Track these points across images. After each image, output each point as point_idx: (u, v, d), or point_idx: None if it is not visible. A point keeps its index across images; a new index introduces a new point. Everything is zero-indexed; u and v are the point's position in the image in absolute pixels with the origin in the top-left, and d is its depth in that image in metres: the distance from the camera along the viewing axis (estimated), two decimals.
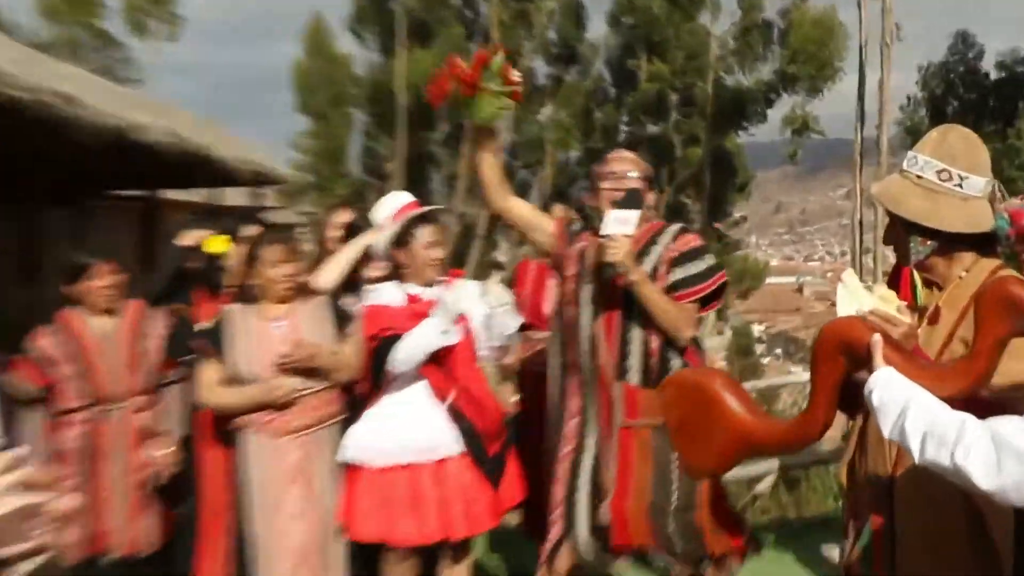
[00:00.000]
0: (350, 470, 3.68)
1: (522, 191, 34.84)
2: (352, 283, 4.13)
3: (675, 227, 3.54)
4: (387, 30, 33.29)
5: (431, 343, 3.53)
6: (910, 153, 2.37)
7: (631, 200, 3.35)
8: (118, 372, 4.18)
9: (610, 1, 35.40)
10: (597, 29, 38.13)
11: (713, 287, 3.44)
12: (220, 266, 4.37)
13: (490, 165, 3.67)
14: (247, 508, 3.75)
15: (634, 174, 3.50)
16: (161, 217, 12.23)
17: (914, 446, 1.75)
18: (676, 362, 3.44)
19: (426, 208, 3.94)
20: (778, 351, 53.80)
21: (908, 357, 1.98)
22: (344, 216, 4.61)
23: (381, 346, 3.55)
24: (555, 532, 3.54)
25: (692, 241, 3.51)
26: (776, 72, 34.16)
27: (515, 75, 3.50)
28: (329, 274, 4.24)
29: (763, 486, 7.09)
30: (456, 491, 3.61)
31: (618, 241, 3.22)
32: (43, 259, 9.51)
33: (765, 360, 43.41)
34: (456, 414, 3.60)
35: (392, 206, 3.97)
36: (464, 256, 29.93)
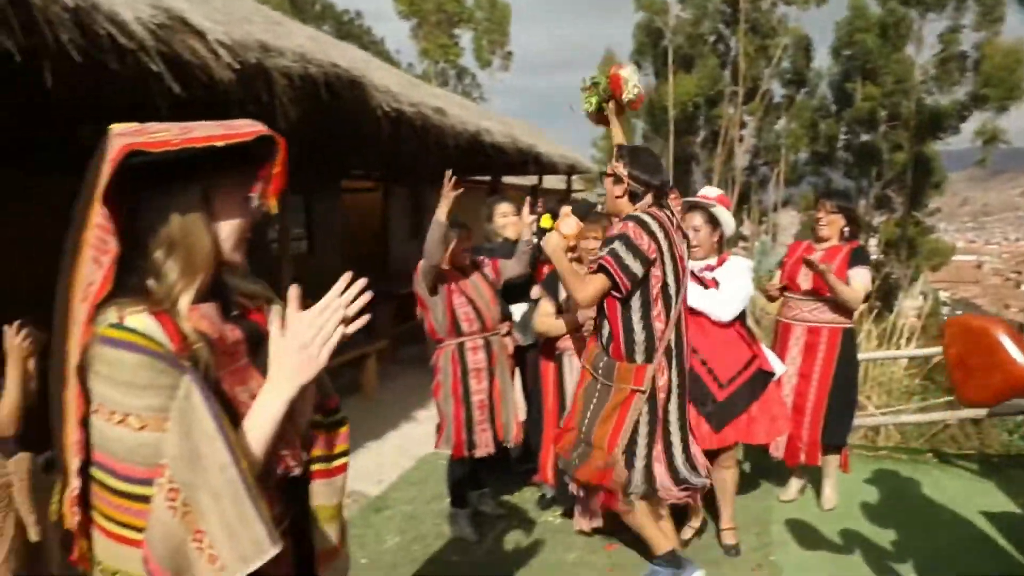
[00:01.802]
0: None
1: (763, 182, 39.05)
2: None
3: (622, 218, 3.45)
4: (660, 60, 37.46)
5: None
6: None
7: (579, 206, 3.60)
8: (491, 308, 4.31)
9: (832, 37, 37.79)
10: (822, 59, 40.38)
11: (595, 268, 3.35)
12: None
13: (618, 138, 3.87)
14: (564, 414, 4.20)
15: (620, 175, 3.46)
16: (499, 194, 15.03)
17: None
18: (606, 327, 3.48)
19: (692, 198, 4.26)
20: (959, 312, 53.31)
21: None
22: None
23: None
24: None
25: (609, 232, 3.52)
26: (969, 94, 35.36)
27: (628, 88, 3.76)
28: None
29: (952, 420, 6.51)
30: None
31: (549, 236, 3.49)
32: (423, 224, 10.43)
33: None
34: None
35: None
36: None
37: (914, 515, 4.78)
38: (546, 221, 4.67)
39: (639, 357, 3.39)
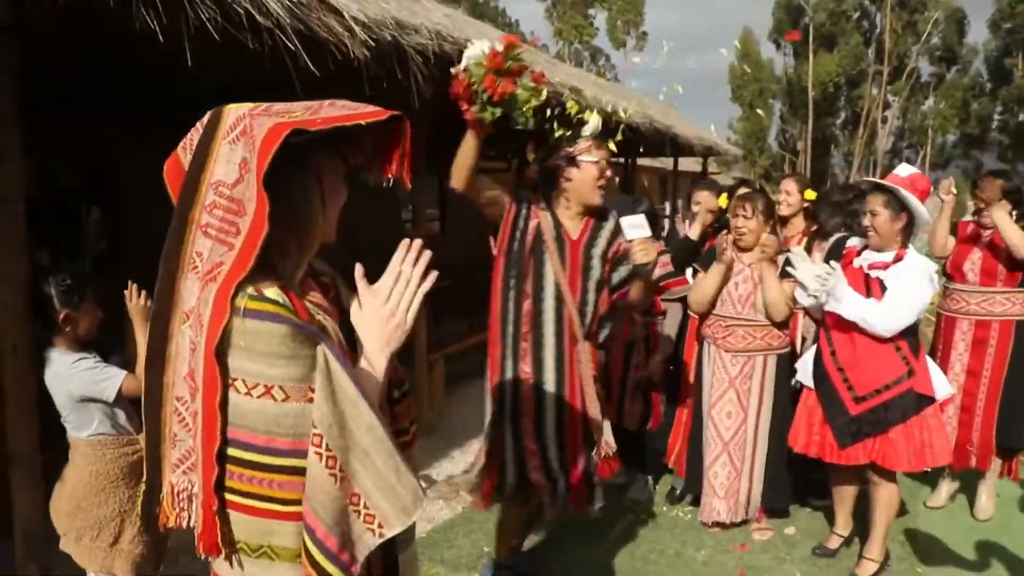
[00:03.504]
0: (804, 391, 3.80)
1: None
2: None
3: (610, 224, 3.21)
4: (801, 39, 35.60)
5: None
6: None
7: (626, 204, 3.35)
8: None
9: (991, 9, 35.42)
10: (976, 34, 38.47)
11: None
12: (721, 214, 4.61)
13: (472, 153, 2.83)
14: (699, 402, 4.18)
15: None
16: (634, 176, 13.72)
17: None
18: (607, 326, 3.24)
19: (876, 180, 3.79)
20: None
21: None
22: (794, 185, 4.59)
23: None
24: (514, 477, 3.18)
25: (622, 247, 3.18)
26: None
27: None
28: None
29: None
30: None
31: (645, 245, 3.05)
32: None
33: None
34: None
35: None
36: None
37: None
38: (722, 200, 4.54)
39: None
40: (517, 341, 3.13)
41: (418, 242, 1.44)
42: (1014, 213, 4.14)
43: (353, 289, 1.46)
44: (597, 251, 3.15)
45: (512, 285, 3.13)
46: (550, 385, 3.13)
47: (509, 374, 3.15)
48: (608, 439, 3.21)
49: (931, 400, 3.54)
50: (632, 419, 4.55)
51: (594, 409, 3.17)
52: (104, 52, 4.03)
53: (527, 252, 3.09)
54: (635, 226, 3.11)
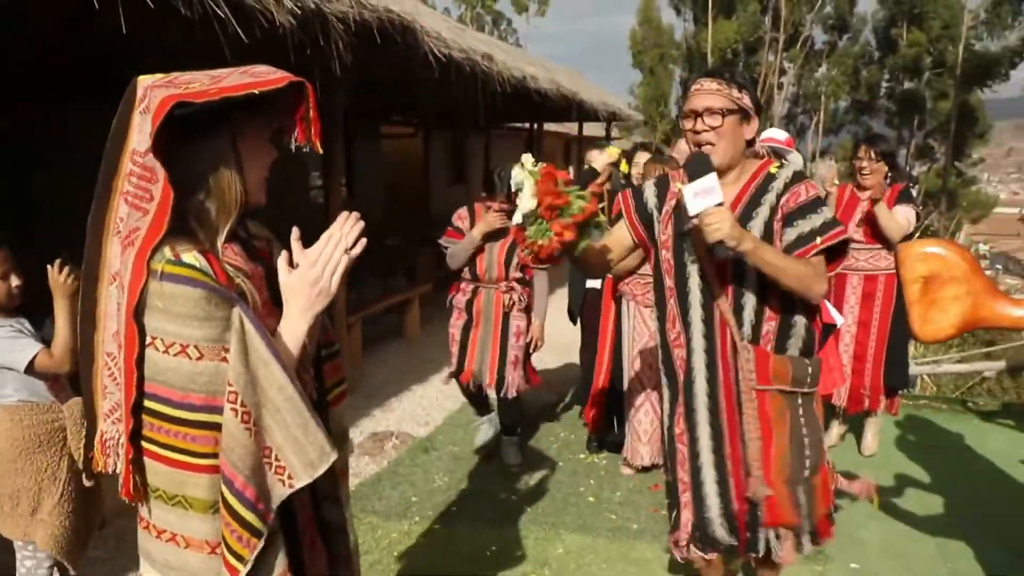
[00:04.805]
0: None
1: (801, 131, 38.56)
2: None
3: (786, 173, 2.43)
4: (700, 5, 36.37)
5: None
6: None
7: (698, 165, 2.22)
8: (492, 262, 4.45)
9: None
10: (866, 3, 39.49)
11: (833, 241, 2.37)
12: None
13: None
14: (618, 357, 4.44)
15: (717, 109, 2.37)
16: (540, 142, 13.95)
17: None
18: (800, 323, 2.50)
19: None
20: (998, 266, 52.57)
21: None
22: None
23: None
24: (687, 517, 2.57)
25: (804, 193, 2.39)
26: (1022, 38, 33.58)
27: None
28: None
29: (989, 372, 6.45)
30: None
31: (714, 216, 2.14)
32: (465, 169, 11.57)
33: (988, 273, 39.79)
34: None
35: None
36: None
37: (953, 465, 4.81)
38: (623, 166, 4.64)
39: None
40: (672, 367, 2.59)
41: (355, 214, 1.53)
42: (890, 175, 4.53)
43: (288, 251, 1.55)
44: (757, 222, 2.42)
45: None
46: (703, 425, 2.55)
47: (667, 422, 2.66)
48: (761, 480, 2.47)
49: (832, 326, 3.92)
50: (514, 387, 4.55)
51: (754, 442, 2.46)
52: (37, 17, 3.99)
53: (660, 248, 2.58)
54: (700, 192, 2.19)
